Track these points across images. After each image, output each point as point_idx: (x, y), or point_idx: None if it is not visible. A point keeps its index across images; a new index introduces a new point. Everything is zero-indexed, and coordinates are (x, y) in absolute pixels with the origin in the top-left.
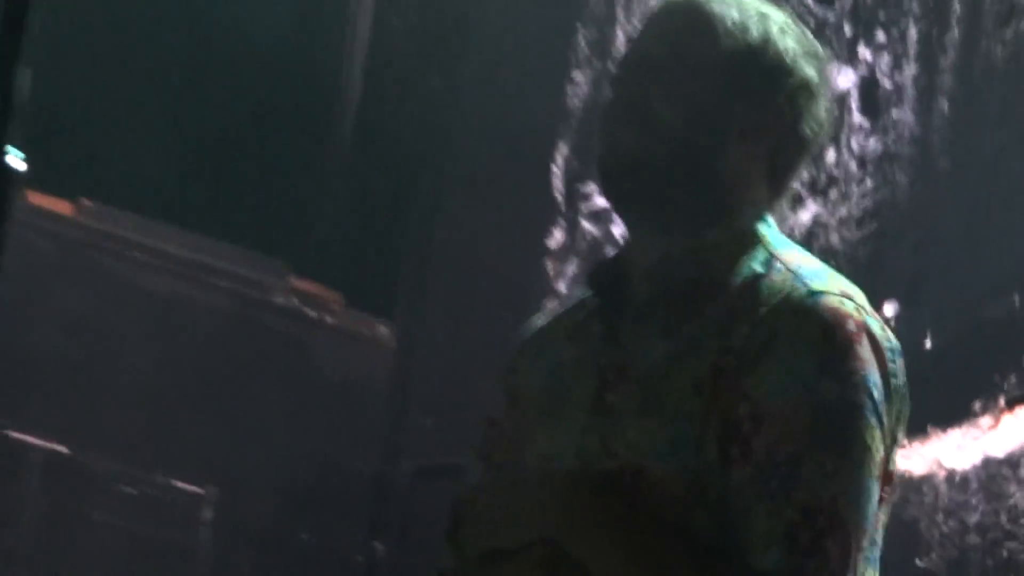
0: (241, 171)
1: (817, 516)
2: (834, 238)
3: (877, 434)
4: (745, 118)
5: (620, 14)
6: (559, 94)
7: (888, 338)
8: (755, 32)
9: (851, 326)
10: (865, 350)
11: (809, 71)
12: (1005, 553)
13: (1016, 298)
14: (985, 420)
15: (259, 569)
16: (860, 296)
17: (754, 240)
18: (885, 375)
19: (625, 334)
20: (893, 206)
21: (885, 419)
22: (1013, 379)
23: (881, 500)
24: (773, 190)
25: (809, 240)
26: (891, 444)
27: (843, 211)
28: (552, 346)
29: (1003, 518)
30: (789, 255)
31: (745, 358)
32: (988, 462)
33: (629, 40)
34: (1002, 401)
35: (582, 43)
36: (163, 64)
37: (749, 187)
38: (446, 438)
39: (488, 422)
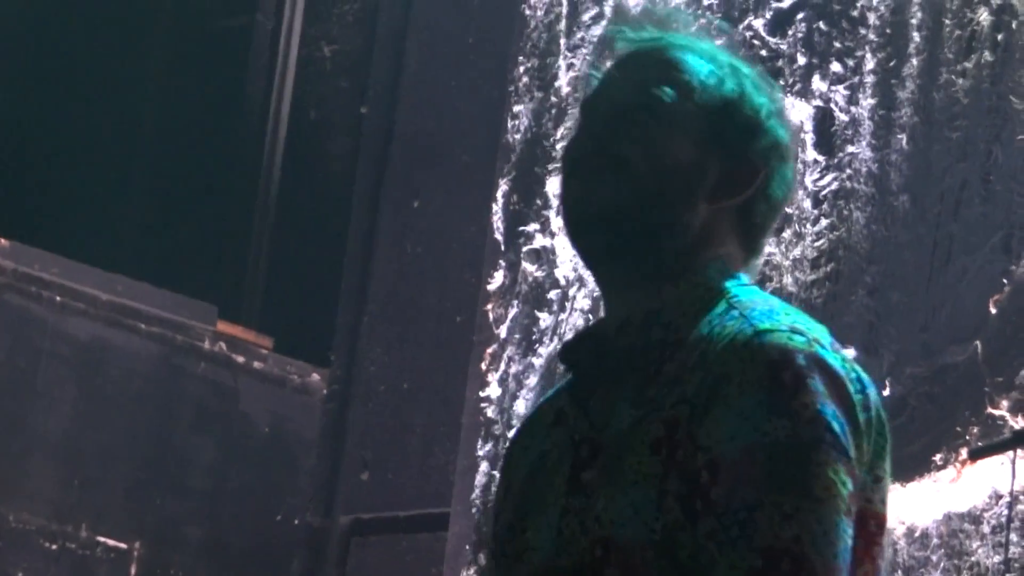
0: (168, 212)
1: (781, 559)
2: (788, 280)
3: (841, 468)
4: (718, 174)
5: (562, 45)
6: (498, 129)
7: (852, 368)
8: (730, 86)
9: (800, 360)
10: (817, 383)
11: (781, 131)
12: None
13: (978, 344)
14: (946, 473)
15: None
16: (817, 331)
17: (719, 295)
18: (848, 407)
19: (596, 408)
20: (849, 247)
21: (852, 451)
22: (976, 430)
23: (873, 544)
24: (744, 250)
25: (762, 283)
26: (873, 482)
27: (797, 252)
28: (538, 435)
29: None
30: (745, 301)
31: (696, 407)
32: (949, 517)
33: (594, 77)
34: (964, 453)
35: (522, 76)
36: (88, 103)
37: (716, 243)
38: (383, 490)
39: (494, 517)
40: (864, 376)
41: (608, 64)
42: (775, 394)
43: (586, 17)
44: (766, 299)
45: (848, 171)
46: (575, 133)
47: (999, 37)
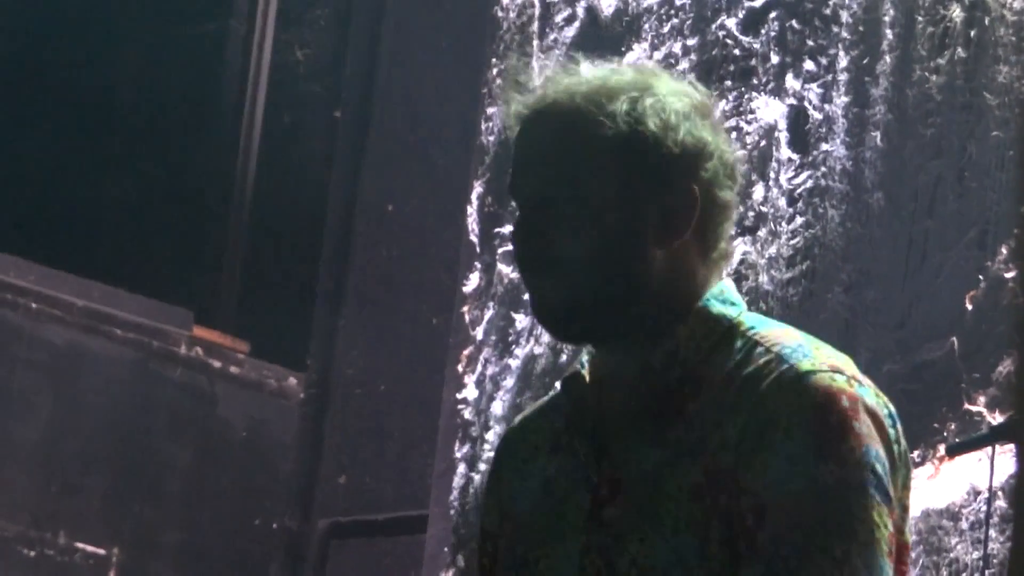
0: (143, 218)
1: None
2: (763, 279)
3: (884, 510)
4: (657, 218)
5: (535, 46)
6: (472, 131)
7: (884, 404)
8: (627, 124)
9: (845, 402)
10: (863, 425)
11: (695, 130)
12: None
13: (954, 340)
14: (924, 469)
15: None
16: (849, 365)
17: (728, 326)
18: (887, 445)
19: (614, 446)
20: (824, 244)
21: (891, 491)
22: (953, 426)
23: (903, 573)
24: (709, 254)
25: (738, 282)
26: (901, 514)
27: (772, 250)
28: (537, 456)
29: (944, 573)
30: (767, 334)
31: (742, 452)
32: (928, 514)
33: (512, 151)
34: (942, 449)
35: (495, 78)
36: (62, 110)
37: (691, 268)
38: (360, 493)
39: (482, 535)
40: (892, 407)
41: (521, 129)
42: (823, 439)
43: (559, 19)
44: (783, 329)
45: (823, 169)
46: (515, 221)
47: (972, 34)
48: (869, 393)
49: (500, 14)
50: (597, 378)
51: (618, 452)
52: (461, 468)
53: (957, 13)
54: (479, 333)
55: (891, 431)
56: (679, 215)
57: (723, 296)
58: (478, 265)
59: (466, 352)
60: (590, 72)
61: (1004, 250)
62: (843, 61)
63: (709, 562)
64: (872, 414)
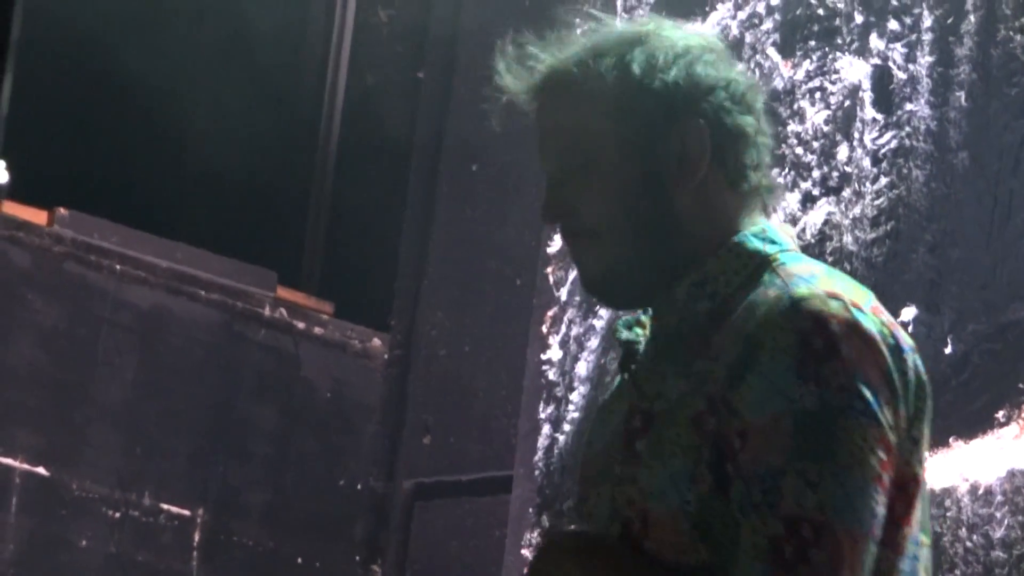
0: (226, 178)
1: (801, 526)
2: (848, 239)
3: (872, 433)
4: (673, 163)
5: (619, 5)
6: None
7: (890, 334)
8: (613, 76)
9: (834, 327)
10: (852, 349)
11: (696, 66)
12: None
13: None
14: (1009, 429)
15: None
16: (858, 295)
17: (760, 261)
18: (883, 372)
19: (646, 380)
20: (909, 204)
21: (885, 417)
22: None
23: (912, 506)
24: (738, 185)
25: (822, 242)
26: (911, 444)
27: (857, 210)
28: (612, 410)
29: None
30: (791, 268)
31: (732, 375)
32: (1013, 474)
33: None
34: None
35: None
36: (143, 69)
37: (722, 202)
38: (445, 454)
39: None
40: (904, 340)
41: (535, 103)
42: (805, 360)
43: None
44: (811, 264)
45: (907, 129)
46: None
47: None
48: (870, 320)
49: None
50: (640, 316)
51: (651, 386)
52: (546, 429)
53: None
54: (563, 294)
55: (890, 360)
56: (691, 152)
57: (764, 235)
58: None
59: (550, 313)
60: (584, 38)
61: None
62: (927, 20)
63: (699, 486)
64: (866, 339)
